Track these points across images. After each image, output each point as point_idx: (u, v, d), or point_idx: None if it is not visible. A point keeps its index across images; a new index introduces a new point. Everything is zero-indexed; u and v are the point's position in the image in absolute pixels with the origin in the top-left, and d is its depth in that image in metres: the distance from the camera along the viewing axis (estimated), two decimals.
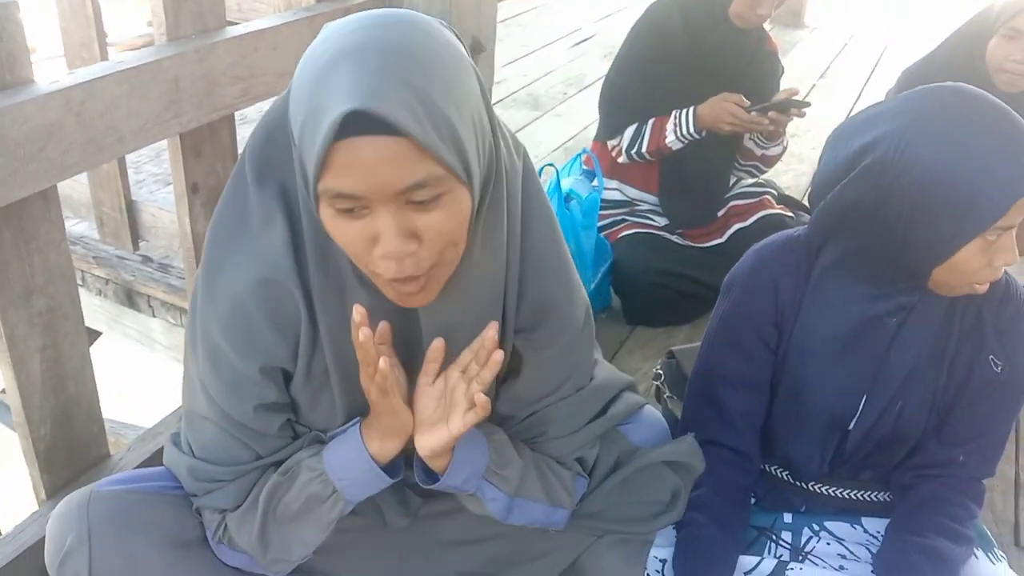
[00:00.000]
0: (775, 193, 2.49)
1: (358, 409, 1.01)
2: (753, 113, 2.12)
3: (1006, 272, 1.23)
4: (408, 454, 1.04)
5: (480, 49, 1.74)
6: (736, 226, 2.37)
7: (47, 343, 1.24)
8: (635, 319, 2.34)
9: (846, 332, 1.25)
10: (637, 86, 2.27)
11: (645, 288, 2.27)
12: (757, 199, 2.42)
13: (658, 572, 1.30)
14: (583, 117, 3.62)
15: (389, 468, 1.01)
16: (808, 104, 2.13)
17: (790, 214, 2.42)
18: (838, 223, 1.20)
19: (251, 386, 0.96)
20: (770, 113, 2.12)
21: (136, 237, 2.31)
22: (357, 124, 0.75)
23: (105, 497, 1.05)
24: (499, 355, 0.96)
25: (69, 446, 1.34)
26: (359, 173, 0.78)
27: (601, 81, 2.41)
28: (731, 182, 2.48)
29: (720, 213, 2.42)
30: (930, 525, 1.25)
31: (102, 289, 2.36)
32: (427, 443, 0.98)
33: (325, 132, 0.76)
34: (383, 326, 0.93)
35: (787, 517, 1.40)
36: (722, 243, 2.36)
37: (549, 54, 4.51)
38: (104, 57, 2.00)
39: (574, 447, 1.16)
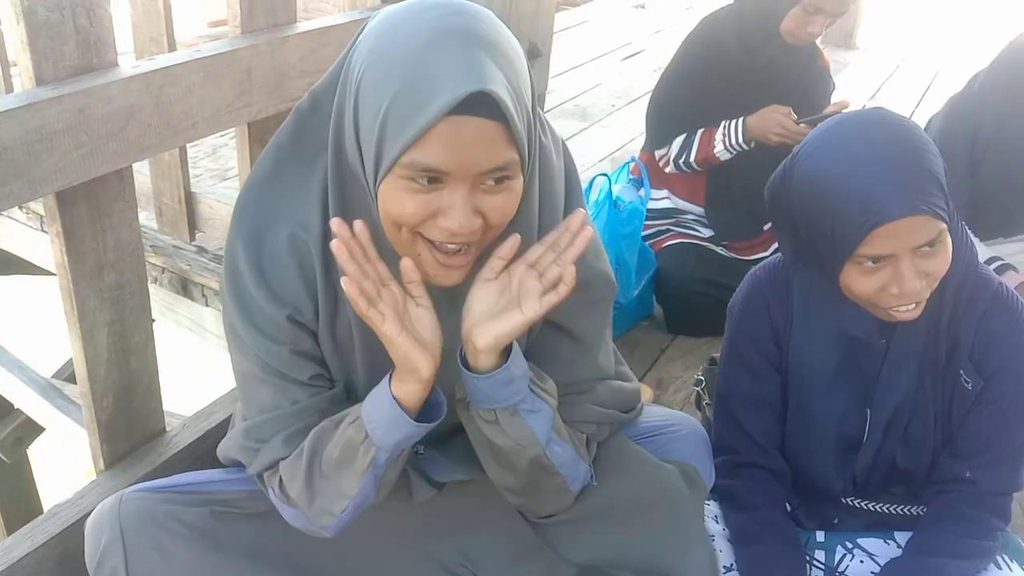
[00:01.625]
0: None
1: (381, 375, 1.02)
2: (802, 125, 2.13)
3: (1003, 284, 1.22)
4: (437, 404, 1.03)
5: (536, 54, 1.78)
6: None
7: (114, 318, 1.29)
8: (677, 328, 2.35)
9: (838, 353, 1.26)
10: (688, 97, 2.29)
11: (688, 297, 2.28)
12: None
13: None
14: (630, 129, 3.64)
15: (420, 415, 1.00)
16: None
17: None
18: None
19: (282, 332, 1.00)
20: (819, 125, 2.13)
21: (193, 228, 2.38)
22: (464, 104, 0.81)
23: (134, 498, 1.10)
24: (588, 232, 0.96)
25: (128, 419, 1.39)
26: (455, 150, 0.83)
27: (649, 95, 2.43)
28: None
29: (766, 227, 2.43)
30: (943, 543, 1.24)
31: (158, 277, 2.43)
32: (491, 332, 0.96)
33: (438, 107, 0.80)
34: (358, 224, 0.92)
35: (820, 536, 1.40)
36: (767, 256, 2.36)
37: (598, 67, 4.54)
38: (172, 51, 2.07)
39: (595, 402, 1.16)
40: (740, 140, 2.20)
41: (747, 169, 2.29)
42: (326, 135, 0.94)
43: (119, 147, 1.15)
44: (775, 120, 2.15)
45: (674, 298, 2.30)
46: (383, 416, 0.98)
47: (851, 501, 1.37)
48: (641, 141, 2.49)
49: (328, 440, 1.01)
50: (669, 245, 2.34)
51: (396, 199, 0.87)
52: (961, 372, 1.21)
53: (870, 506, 1.37)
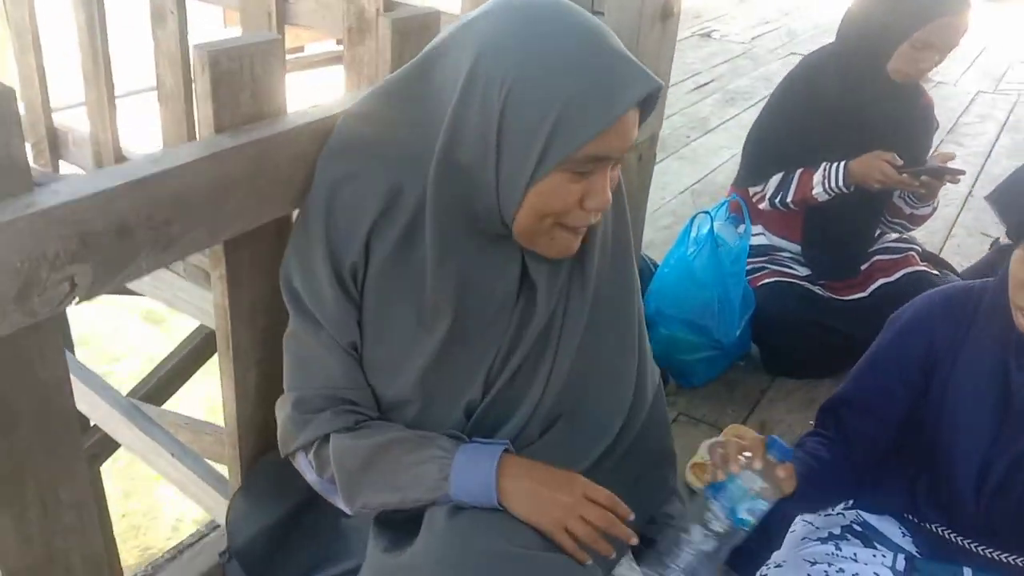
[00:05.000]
0: (919, 250, 2.46)
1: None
2: (905, 175, 2.10)
3: None
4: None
5: (668, 14, 1.77)
6: (880, 281, 2.35)
7: (264, 356, 1.30)
8: (777, 369, 2.33)
9: (991, 382, 1.25)
10: (788, 136, 2.28)
11: (791, 338, 2.26)
12: (902, 255, 2.40)
13: None
14: (708, 161, 3.63)
15: None
16: (963, 172, 2.11)
17: (935, 272, 2.39)
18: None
19: (336, 289, 1.08)
20: (923, 177, 2.10)
21: None
22: None
23: None
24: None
25: (266, 455, 1.40)
26: (624, 137, 0.96)
27: (723, 125, 2.42)
28: (875, 236, 2.46)
29: (864, 267, 2.40)
30: None
31: None
32: None
33: (625, 103, 0.92)
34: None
35: (967, 572, 1.37)
36: (864, 297, 2.34)
37: (670, 97, 4.53)
38: None
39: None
40: (840, 184, 2.18)
41: (845, 210, 2.27)
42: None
43: (286, 195, 1.16)
44: (878, 168, 2.12)
45: (776, 338, 2.28)
46: (474, 484, 1.04)
47: (984, 551, 1.34)
48: (721, 174, 2.47)
49: (406, 452, 1.07)
50: (766, 283, 2.33)
51: (556, 192, 0.96)
52: None
53: (1004, 558, 1.34)
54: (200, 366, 3.92)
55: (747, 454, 1.19)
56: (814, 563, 1.33)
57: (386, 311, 1.10)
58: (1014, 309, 1.17)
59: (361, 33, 1.82)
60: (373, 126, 1.09)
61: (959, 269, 2.57)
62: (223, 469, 2.60)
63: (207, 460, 2.04)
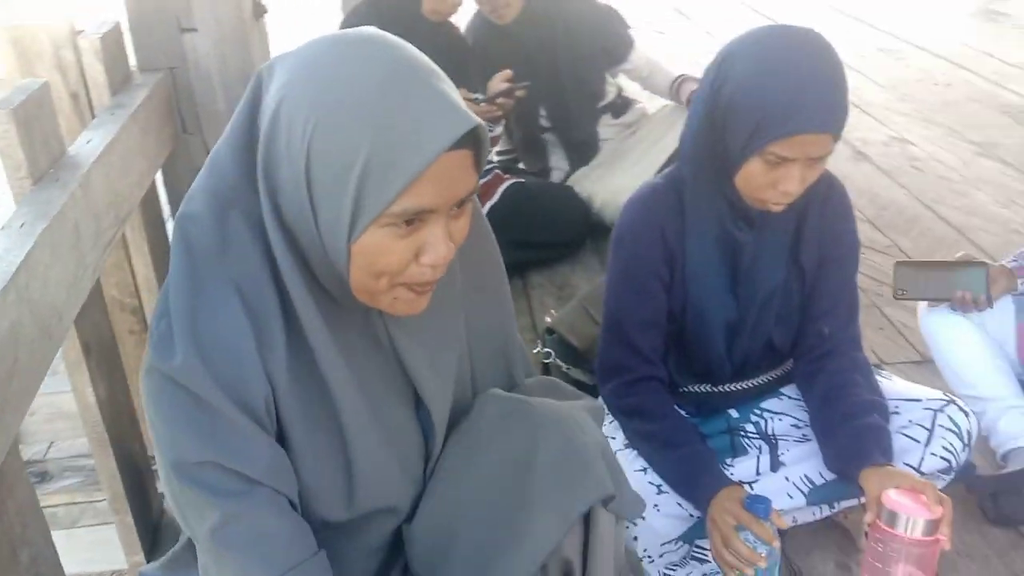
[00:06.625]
0: (499, 165, 2.65)
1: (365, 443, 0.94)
2: (482, 104, 2.22)
3: (829, 173, 1.43)
4: None
5: (262, 12, 1.64)
6: (487, 205, 2.49)
7: None
8: None
9: (719, 251, 1.42)
10: None
11: None
12: (491, 175, 2.56)
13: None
14: None
15: None
16: (528, 84, 2.28)
17: (521, 179, 2.60)
18: (691, 146, 1.37)
19: (257, 430, 0.86)
20: (498, 100, 2.24)
21: None
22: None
23: None
24: None
25: None
26: (445, 186, 0.80)
27: None
28: None
29: None
30: (858, 406, 1.41)
31: None
32: None
33: (434, 149, 0.77)
34: None
35: (734, 413, 1.57)
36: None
37: None
38: None
39: None
40: None
41: None
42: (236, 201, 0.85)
43: (21, 384, 0.83)
44: None
45: None
46: None
47: (733, 387, 1.55)
48: None
49: None
50: None
51: (381, 250, 0.82)
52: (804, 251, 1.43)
53: (749, 384, 1.56)
54: None
55: (747, 536, 1.26)
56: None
57: (311, 433, 0.90)
58: (753, 200, 1.31)
59: None
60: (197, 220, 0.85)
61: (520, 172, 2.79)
62: None
63: None
